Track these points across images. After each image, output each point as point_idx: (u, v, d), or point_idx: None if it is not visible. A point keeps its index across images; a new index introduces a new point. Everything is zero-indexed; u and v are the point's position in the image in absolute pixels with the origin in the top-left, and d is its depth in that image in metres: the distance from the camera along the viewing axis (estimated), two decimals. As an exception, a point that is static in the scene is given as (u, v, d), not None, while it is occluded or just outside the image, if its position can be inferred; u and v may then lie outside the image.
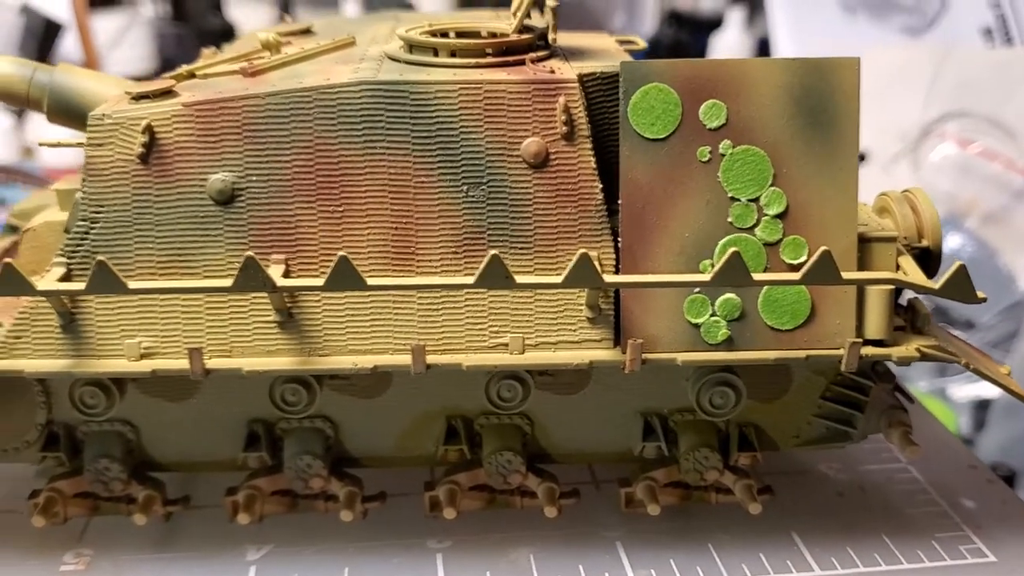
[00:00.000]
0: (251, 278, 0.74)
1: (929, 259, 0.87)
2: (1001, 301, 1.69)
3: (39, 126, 2.12)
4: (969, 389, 1.67)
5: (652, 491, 0.89)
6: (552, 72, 0.80)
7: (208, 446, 0.89)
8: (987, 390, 1.63)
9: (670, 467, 0.90)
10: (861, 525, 0.92)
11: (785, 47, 2.03)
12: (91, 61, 2.26)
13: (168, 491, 0.90)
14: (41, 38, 2.19)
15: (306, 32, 1.00)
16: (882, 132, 1.81)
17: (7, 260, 0.75)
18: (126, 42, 2.35)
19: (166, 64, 2.41)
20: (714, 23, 2.25)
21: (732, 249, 0.74)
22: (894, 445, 0.89)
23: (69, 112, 0.94)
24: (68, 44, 2.27)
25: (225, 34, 2.34)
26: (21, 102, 0.95)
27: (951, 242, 1.72)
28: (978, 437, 1.61)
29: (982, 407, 1.64)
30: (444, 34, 0.89)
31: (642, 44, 0.94)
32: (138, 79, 0.98)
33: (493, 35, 0.88)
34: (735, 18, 2.18)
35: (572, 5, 2.45)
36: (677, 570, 0.86)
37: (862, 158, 1.82)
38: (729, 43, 2.17)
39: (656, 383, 0.87)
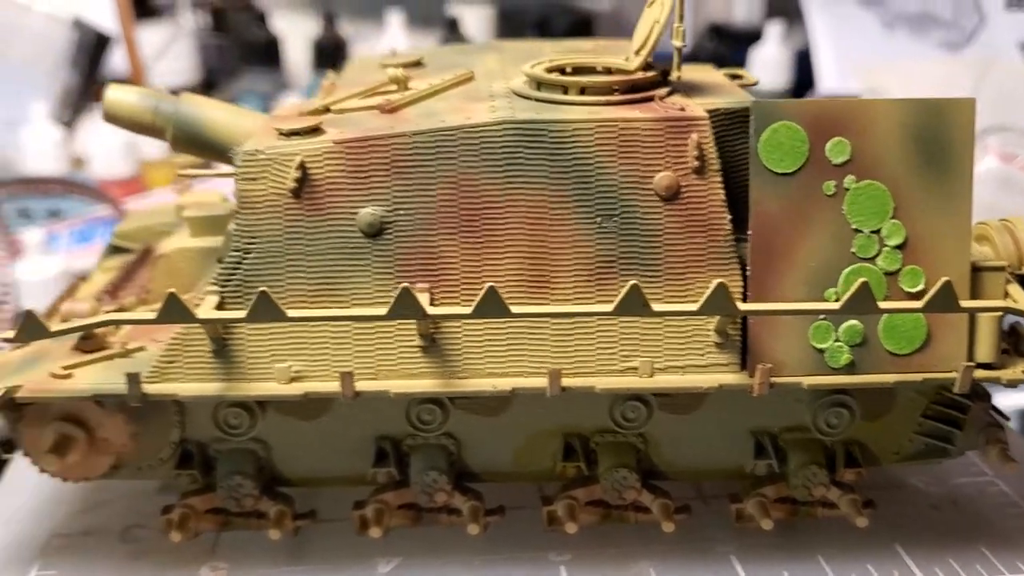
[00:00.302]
0: (405, 306, 0.79)
1: (1029, 285, 0.92)
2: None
3: (88, 136, 2.15)
4: (1016, 397, 1.71)
5: (764, 507, 0.93)
6: (682, 109, 0.84)
7: (337, 462, 0.93)
8: (1034, 399, 1.68)
9: (779, 483, 0.94)
10: (959, 537, 0.96)
11: (826, 62, 2.08)
12: (137, 73, 2.29)
13: (295, 506, 0.95)
14: (91, 51, 2.22)
15: (417, 64, 1.04)
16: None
17: (171, 291, 0.79)
18: (170, 54, 2.39)
19: (208, 76, 2.45)
20: (753, 36, 2.29)
21: (862, 280, 0.78)
22: (992, 462, 0.93)
23: (193, 141, 0.98)
24: (116, 57, 2.30)
25: (269, 47, 2.37)
26: (146, 131, 0.99)
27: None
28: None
29: (1030, 415, 1.69)
30: (563, 70, 0.93)
31: (753, 79, 0.99)
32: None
33: (610, 71, 0.92)
34: (774, 31, 2.22)
35: (608, 16, 2.49)
36: (791, 581, 0.90)
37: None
38: (768, 57, 2.21)
39: (768, 403, 0.91)
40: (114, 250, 1.19)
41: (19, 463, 1.06)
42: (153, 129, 0.98)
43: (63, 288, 1.09)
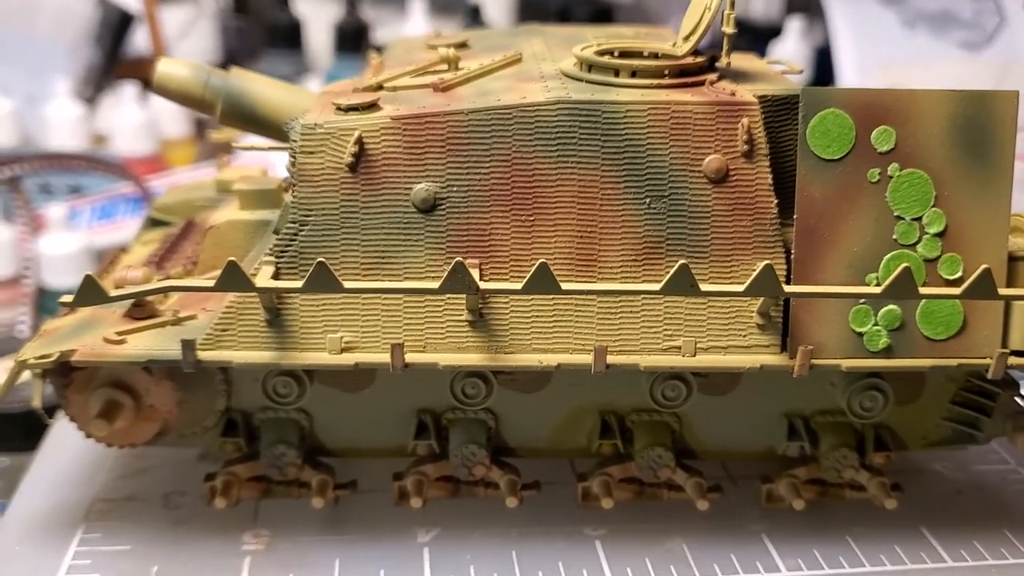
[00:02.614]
0: (457, 280, 0.80)
1: (1060, 277, 0.94)
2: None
3: (110, 112, 2.16)
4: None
5: (795, 488, 0.96)
6: (732, 94, 0.86)
7: (378, 434, 0.95)
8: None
9: (810, 465, 0.96)
10: (984, 521, 0.98)
11: (845, 59, 2.09)
12: (159, 52, 2.30)
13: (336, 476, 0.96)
14: (114, 29, 2.23)
15: (463, 45, 1.05)
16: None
17: (231, 259, 0.80)
18: (192, 35, 2.40)
19: (229, 58, 2.46)
20: (772, 32, 2.30)
21: (904, 265, 0.80)
22: (1019, 448, 0.95)
23: (243, 115, 0.99)
24: (138, 36, 2.31)
25: (291, 29, 2.38)
26: (195, 104, 1.00)
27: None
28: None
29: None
30: (611, 53, 0.94)
31: (798, 68, 1.00)
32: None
33: (656, 55, 0.94)
34: (794, 27, 2.24)
35: (630, 8, 2.50)
36: (822, 560, 0.92)
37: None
38: (787, 53, 2.22)
39: (803, 386, 0.93)
40: (153, 223, 1.21)
41: (58, 429, 1.08)
42: (203, 103, 1.00)
43: (105, 259, 1.11)
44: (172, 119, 2.10)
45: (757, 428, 0.96)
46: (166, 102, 1.08)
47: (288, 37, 2.38)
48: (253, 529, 0.95)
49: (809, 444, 0.95)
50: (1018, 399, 0.97)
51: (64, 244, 1.58)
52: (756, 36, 2.30)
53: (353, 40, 2.30)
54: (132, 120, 2.06)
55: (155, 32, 2.33)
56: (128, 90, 2.05)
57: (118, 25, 2.24)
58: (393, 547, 0.93)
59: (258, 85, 1.00)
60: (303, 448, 0.94)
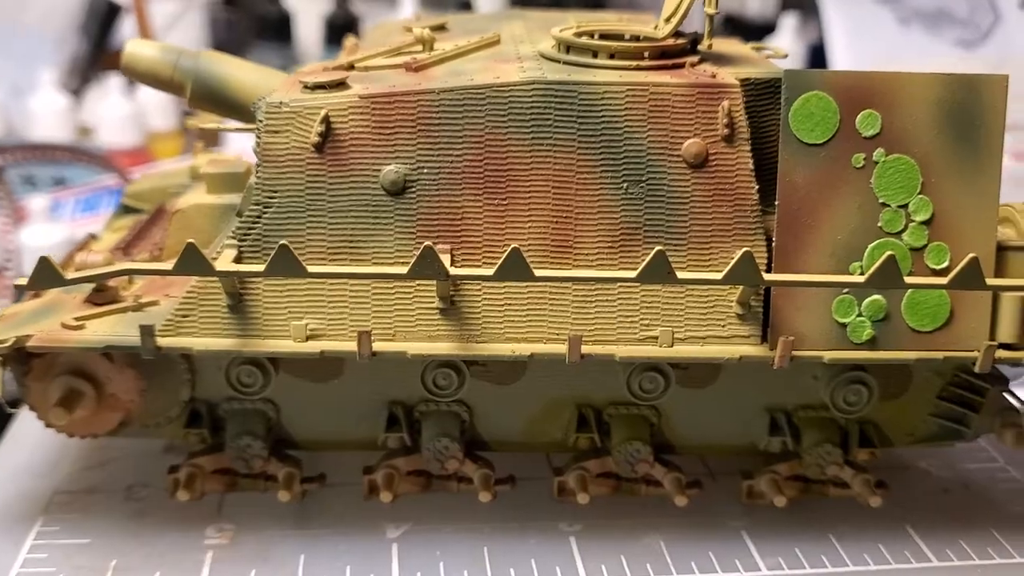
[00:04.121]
0: (427, 266, 0.77)
1: (1051, 268, 0.91)
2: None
3: (95, 104, 2.14)
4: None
5: (776, 484, 0.93)
6: (713, 76, 0.83)
7: (347, 426, 0.92)
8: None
9: (792, 461, 0.93)
10: (970, 520, 0.96)
11: (840, 56, 2.07)
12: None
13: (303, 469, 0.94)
14: (101, 20, 2.20)
15: (441, 28, 1.03)
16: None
17: (190, 241, 0.78)
18: (181, 26, 2.37)
19: (218, 49, 2.42)
20: (766, 28, 2.28)
21: (888, 253, 0.77)
22: (1007, 445, 0.93)
23: (213, 98, 0.96)
24: (126, 27, 2.28)
25: (281, 22, 2.35)
26: (164, 86, 0.97)
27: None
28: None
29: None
30: (591, 35, 0.92)
31: (782, 52, 0.98)
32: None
33: (637, 38, 0.91)
34: (788, 24, 2.21)
35: (621, 4, 2.48)
36: (803, 559, 0.89)
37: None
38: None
39: (783, 379, 0.90)
40: (125, 210, 1.18)
41: (23, 419, 1.05)
42: (172, 84, 0.97)
43: (75, 244, 1.08)
44: (158, 111, 2.07)
45: (738, 422, 0.93)
46: (153, 94, 1.06)
47: (278, 30, 2.35)
48: (217, 523, 0.92)
49: (791, 439, 0.92)
50: (1007, 395, 0.95)
51: (46, 236, 1.56)
52: (750, 32, 2.27)
53: (343, 33, 2.27)
54: (118, 112, 2.03)
55: (143, 24, 2.30)
56: (114, 82, 2.02)
57: (105, 16, 2.21)
58: (361, 542, 0.90)
59: (228, 66, 0.97)
60: (270, 440, 0.92)
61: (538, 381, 0.91)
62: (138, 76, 0.97)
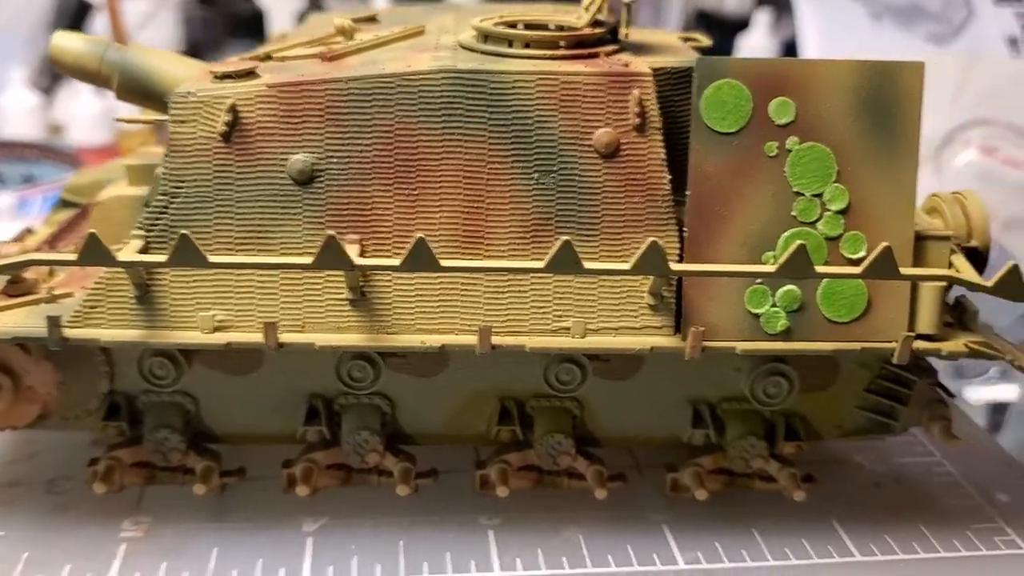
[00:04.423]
0: (331, 256, 0.77)
1: (977, 259, 0.90)
2: (1019, 307, 1.72)
3: (67, 103, 2.14)
4: (985, 392, 1.69)
5: (699, 477, 0.92)
6: (626, 65, 0.82)
7: (267, 419, 0.92)
8: (1004, 393, 1.66)
9: (716, 454, 0.92)
10: (899, 515, 0.94)
11: (812, 52, 2.05)
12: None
13: (223, 462, 0.93)
14: (72, 18, 2.20)
15: (372, 19, 1.02)
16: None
17: (91, 231, 0.77)
18: (154, 24, 2.37)
19: (192, 47, 2.43)
20: (740, 25, 2.27)
21: (798, 242, 0.76)
22: (935, 438, 0.92)
23: (139, 90, 0.96)
24: (98, 25, 2.28)
25: (254, 19, 2.35)
26: (91, 79, 0.97)
27: (972, 248, 1.75)
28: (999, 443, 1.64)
29: (998, 410, 1.67)
30: (514, 25, 0.91)
31: (706, 41, 0.97)
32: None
33: (561, 28, 0.90)
34: (761, 20, 2.20)
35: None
36: (723, 554, 0.88)
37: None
38: (755, 45, 2.19)
39: (707, 372, 0.89)
40: (64, 204, 1.17)
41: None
42: (99, 77, 0.96)
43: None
44: (129, 110, 2.07)
45: (661, 415, 0.92)
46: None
47: (251, 27, 2.35)
48: (134, 516, 0.92)
49: (715, 432, 0.91)
50: (935, 387, 0.93)
51: (10, 233, 1.55)
52: (724, 28, 2.27)
53: (315, 30, 2.27)
54: (88, 110, 2.03)
55: (116, 21, 2.29)
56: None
57: (75, 14, 2.21)
58: (276, 536, 0.89)
59: (155, 59, 0.96)
60: (188, 433, 0.91)
61: (460, 374, 0.90)
62: (65, 68, 0.97)
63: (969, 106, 1.92)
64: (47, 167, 1.96)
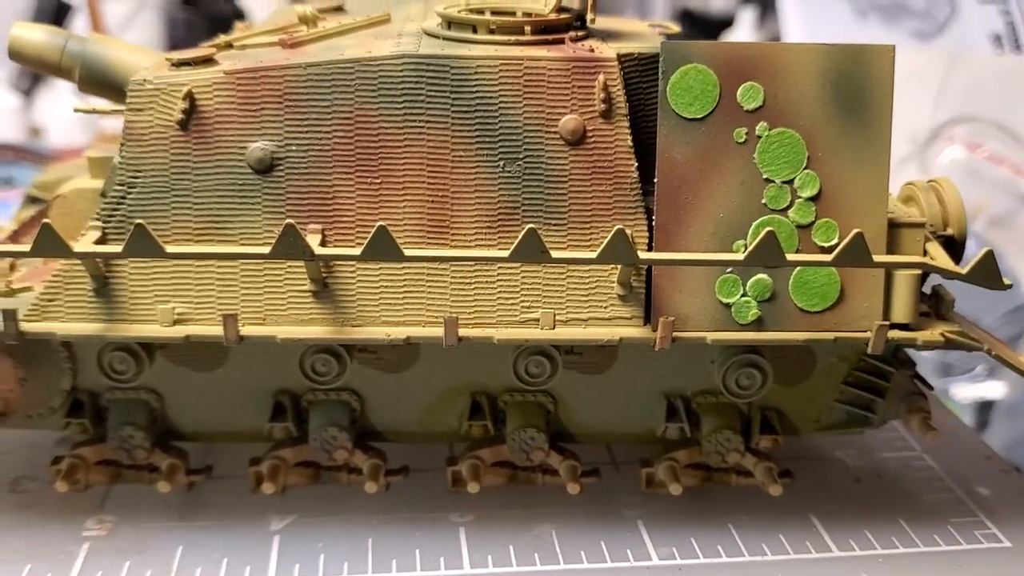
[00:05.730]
0: (290, 246, 0.75)
1: (953, 247, 0.88)
2: (1006, 304, 1.70)
3: (47, 105, 2.12)
4: (972, 389, 1.68)
5: (674, 472, 0.90)
6: (591, 51, 0.80)
7: (233, 416, 0.90)
8: (990, 390, 1.65)
9: (692, 448, 0.91)
10: (878, 510, 0.93)
11: (795, 48, 2.04)
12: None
13: (190, 460, 0.91)
14: (52, 19, 2.18)
15: (338, 9, 1.00)
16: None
17: (45, 220, 0.75)
18: (136, 25, 2.35)
19: (174, 49, 2.41)
20: (725, 22, 2.26)
21: (767, 229, 0.75)
22: (913, 430, 0.90)
23: (101, 82, 0.94)
24: (78, 25, 2.26)
25: (237, 20, 2.33)
26: (53, 70, 0.95)
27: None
28: (980, 437, 1.63)
29: (985, 408, 1.66)
30: (480, 12, 0.89)
31: (675, 29, 0.95)
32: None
33: (528, 15, 0.89)
34: (746, 18, 2.20)
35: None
36: (698, 549, 0.87)
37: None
38: (739, 43, 2.18)
39: (681, 365, 0.88)
40: (32, 201, 1.15)
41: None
42: (60, 68, 0.94)
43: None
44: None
45: (635, 409, 0.90)
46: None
47: (233, 28, 2.34)
48: (99, 515, 0.90)
49: (690, 426, 0.90)
50: (914, 379, 0.92)
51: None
52: (708, 26, 2.26)
53: (297, 31, 2.26)
54: (67, 112, 2.01)
55: (96, 22, 2.28)
56: (65, 82, 2.00)
57: (55, 15, 2.19)
58: (242, 535, 0.87)
59: (116, 50, 0.94)
60: (153, 431, 0.89)
61: (432, 369, 0.88)
62: (25, 60, 0.95)
63: (954, 103, 1.91)
64: (24, 169, 1.94)
